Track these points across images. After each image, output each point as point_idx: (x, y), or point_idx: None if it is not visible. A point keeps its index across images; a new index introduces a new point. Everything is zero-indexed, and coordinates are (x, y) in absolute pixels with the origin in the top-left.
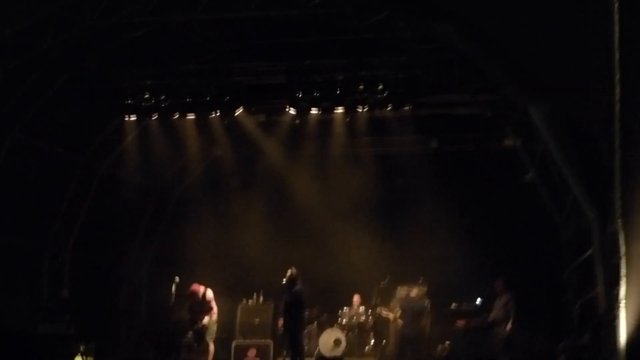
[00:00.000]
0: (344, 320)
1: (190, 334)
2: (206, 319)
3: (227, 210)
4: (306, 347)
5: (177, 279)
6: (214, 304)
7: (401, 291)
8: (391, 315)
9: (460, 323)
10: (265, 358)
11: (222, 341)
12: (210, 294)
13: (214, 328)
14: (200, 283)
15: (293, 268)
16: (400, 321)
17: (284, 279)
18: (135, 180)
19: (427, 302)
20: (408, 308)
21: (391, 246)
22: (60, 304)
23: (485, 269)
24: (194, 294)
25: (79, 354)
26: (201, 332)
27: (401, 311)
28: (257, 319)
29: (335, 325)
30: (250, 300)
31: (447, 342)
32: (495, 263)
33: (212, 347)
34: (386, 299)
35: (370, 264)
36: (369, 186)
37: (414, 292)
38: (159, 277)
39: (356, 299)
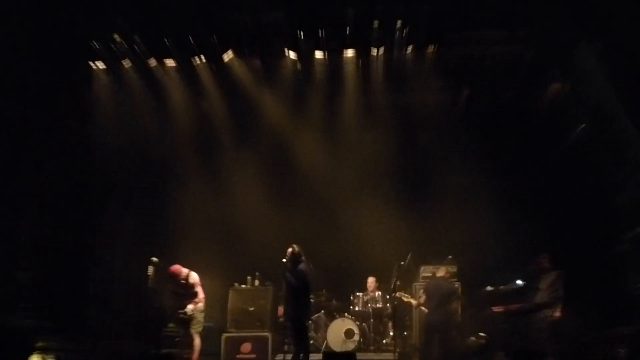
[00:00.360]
0: (357, 307)
1: (172, 324)
2: (190, 307)
3: (217, 177)
4: (312, 340)
5: (155, 259)
6: (199, 289)
7: (426, 271)
8: (414, 301)
9: (498, 309)
10: (263, 353)
11: (211, 333)
12: (194, 277)
13: (199, 318)
14: (184, 264)
15: (295, 245)
16: (424, 307)
17: (285, 258)
18: (107, 140)
19: (456, 284)
20: (434, 291)
21: (413, 218)
22: (16, 289)
23: (526, 243)
24: (175, 276)
25: (36, 352)
26: (184, 322)
27: (426, 295)
28: (253, 307)
29: (346, 313)
30: (244, 284)
31: (482, 333)
32: (538, 236)
33: (197, 340)
34: (408, 282)
35: (389, 239)
36: (387, 146)
37: (441, 272)
38: (136, 256)
39: (371, 281)
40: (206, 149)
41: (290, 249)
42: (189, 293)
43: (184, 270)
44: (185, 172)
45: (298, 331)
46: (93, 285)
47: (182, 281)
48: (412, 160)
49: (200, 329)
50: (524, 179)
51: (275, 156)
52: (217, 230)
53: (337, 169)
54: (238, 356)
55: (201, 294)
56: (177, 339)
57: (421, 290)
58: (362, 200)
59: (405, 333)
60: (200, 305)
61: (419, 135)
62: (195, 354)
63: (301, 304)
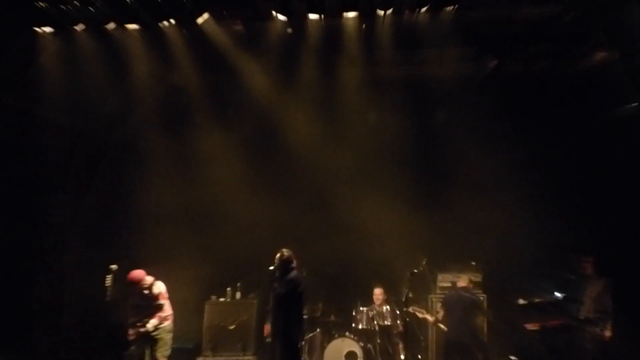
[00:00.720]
0: (361, 324)
1: (132, 346)
2: (153, 322)
3: (191, 163)
4: None
5: (114, 267)
6: (165, 302)
7: (444, 281)
8: (430, 317)
9: (532, 326)
10: None
11: (182, 357)
12: (160, 287)
13: (166, 338)
14: (148, 271)
15: (285, 249)
16: (443, 325)
17: (273, 264)
18: (57, 120)
19: (481, 297)
20: (455, 304)
21: (429, 215)
22: None
23: (566, 246)
24: (135, 284)
25: None
26: (147, 343)
27: (445, 310)
28: (233, 324)
29: (347, 332)
30: (222, 297)
31: (513, 356)
32: (581, 237)
33: None
34: (422, 293)
35: (399, 241)
36: (396, 127)
37: (463, 282)
38: (92, 262)
39: (379, 293)
40: (177, 129)
41: (278, 254)
42: (152, 306)
43: (148, 278)
44: (151, 157)
45: (288, 354)
46: (39, 298)
47: (145, 291)
48: (427, 144)
49: (167, 353)
50: (562, 168)
51: (261, 138)
52: (190, 230)
53: (336, 154)
54: None
55: (168, 309)
56: None
57: (439, 304)
58: (366, 194)
59: (419, 357)
60: (168, 323)
61: (434, 115)
62: None
63: (292, 321)
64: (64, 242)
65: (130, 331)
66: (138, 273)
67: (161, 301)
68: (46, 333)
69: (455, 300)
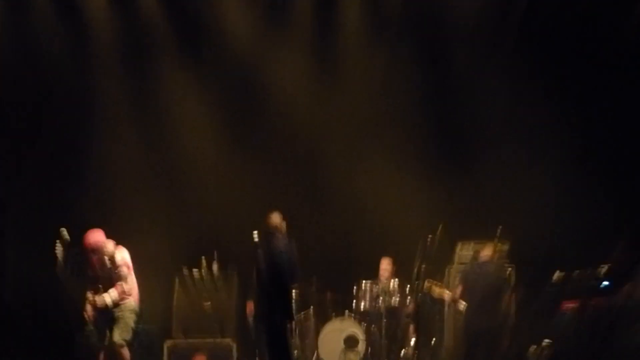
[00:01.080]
0: (364, 303)
1: (89, 326)
2: (111, 294)
3: (157, 114)
4: (296, 351)
5: (64, 231)
6: (129, 274)
7: (464, 251)
8: (447, 293)
9: (570, 304)
10: None
11: (147, 341)
12: (123, 254)
13: (128, 319)
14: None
15: (273, 214)
16: (463, 303)
17: (257, 232)
18: None
19: (508, 270)
20: (477, 279)
21: (446, 175)
22: None
23: (612, 209)
24: (94, 250)
25: None
26: (106, 322)
27: (462, 285)
28: (208, 302)
29: (347, 311)
30: (195, 268)
31: (547, 339)
32: (629, 200)
33: (125, 353)
34: (438, 266)
35: (410, 205)
36: (406, 73)
37: (487, 251)
38: (38, 231)
39: (386, 265)
40: (139, 73)
41: (265, 219)
42: (113, 278)
43: (109, 243)
44: (109, 108)
45: (274, 337)
46: None
47: (106, 259)
48: (444, 93)
49: (128, 337)
50: (605, 124)
51: (242, 86)
52: (157, 191)
53: (334, 104)
54: None
55: (132, 283)
56: (98, 348)
57: (458, 278)
58: (371, 151)
59: (433, 340)
60: (131, 300)
61: (453, 59)
62: None
63: (279, 298)
64: (5, 210)
65: (87, 307)
66: (97, 235)
67: (124, 270)
68: None
69: (479, 274)
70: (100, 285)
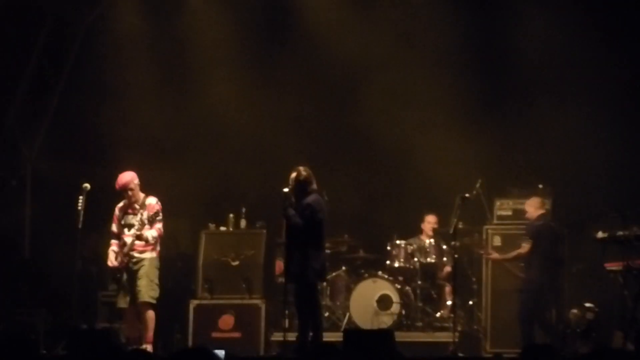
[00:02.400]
0: (398, 261)
1: (112, 284)
2: (151, 234)
3: (180, 55)
4: (327, 312)
5: (86, 185)
6: (159, 225)
7: (503, 208)
8: (494, 253)
9: (615, 265)
10: (251, 331)
11: (173, 299)
12: (153, 202)
13: (152, 275)
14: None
15: (302, 167)
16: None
17: (287, 185)
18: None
19: (555, 225)
20: (545, 238)
21: (485, 125)
22: None
23: None
24: (126, 188)
25: None
26: (129, 278)
27: (532, 241)
28: (237, 260)
29: (380, 271)
30: (223, 226)
31: (588, 304)
32: None
33: (150, 313)
34: (475, 223)
35: (446, 158)
36: (451, 18)
37: (540, 207)
38: (58, 180)
39: (431, 222)
40: (163, 12)
41: (294, 173)
42: (142, 222)
43: (138, 191)
44: (132, 48)
45: (305, 298)
46: None
47: (136, 206)
48: (484, 37)
49: (156, 295)
50: None
51: (269, 22)
52: (181, 140)
53: (369, 46)
54: (215, 334)
55: (159, 228)
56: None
57: (527, 234)
58: (404, 98)
59: (471, 302)
60: (154, 254)
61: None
62: (149, 333)
63: (311, 257)
64: (20, 152)
65: (110, 257)
66: (127, 175)
67: (158, 213)
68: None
69: (545, 231)
70: (129, 231)
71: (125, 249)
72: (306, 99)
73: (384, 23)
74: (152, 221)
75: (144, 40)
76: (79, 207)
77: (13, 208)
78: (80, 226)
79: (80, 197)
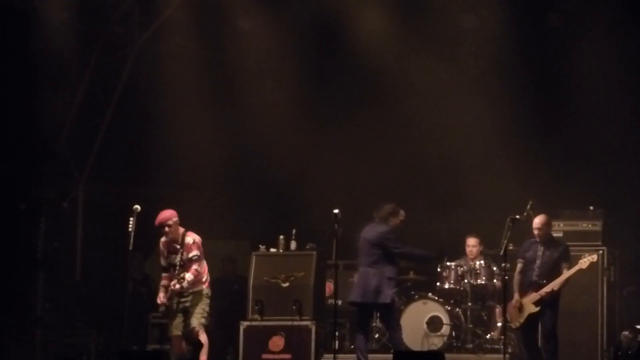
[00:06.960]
0: (448, 283)
1: (162, 307)
2: (187, 277)
3: (231, 77)
4: (377, 334)
5: (137, 207)
6: (199, 256)
7: (554, 229)
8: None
9: None
10: (302, 352)
11: (227, 321)
12: (193, 237)
13: (204, 304)
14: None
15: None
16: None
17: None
18: (64, 19)
19: (600, 250)
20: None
21: (538, 146)
22: None
23: None
24: (164, 225)
25: None
26: (178, 310)
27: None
28: (286, 282)
29: (430, 293)
30: (273, 247)
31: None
32: None
33: (203, 337)
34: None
35: (498, 177)
36: (503, 25)
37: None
38: (108, 202)
39: (473, 244)
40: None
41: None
42: (184, 261)
43: (180, 229)
44: (183, 70)
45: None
46: (39, 244)
47: (176, 245)
48: (542, 53)
49: (206, 322)
50: None
51: (320, 38)
52: (232, 163)
53: (419, 59)
54: (265, 356)
55: (204, 267)
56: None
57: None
58: (455, 117)
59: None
60: (203, 287)
61: (552, 17)
62: (203, 357)
63: (384, 273)
64: (71, 175)
65: (160, 294)
66: (167, 213)
67: (195, 253)
68: (51, 291)
69: None
70: (174, 271)
71: (171, 294)
72: (360, 122)
73: (434, 44)
74: (189, 263)
75: (194, 62)
76: (130, 229)
77: (65, 231)
78: (131, 248)
79: (131, 219)
